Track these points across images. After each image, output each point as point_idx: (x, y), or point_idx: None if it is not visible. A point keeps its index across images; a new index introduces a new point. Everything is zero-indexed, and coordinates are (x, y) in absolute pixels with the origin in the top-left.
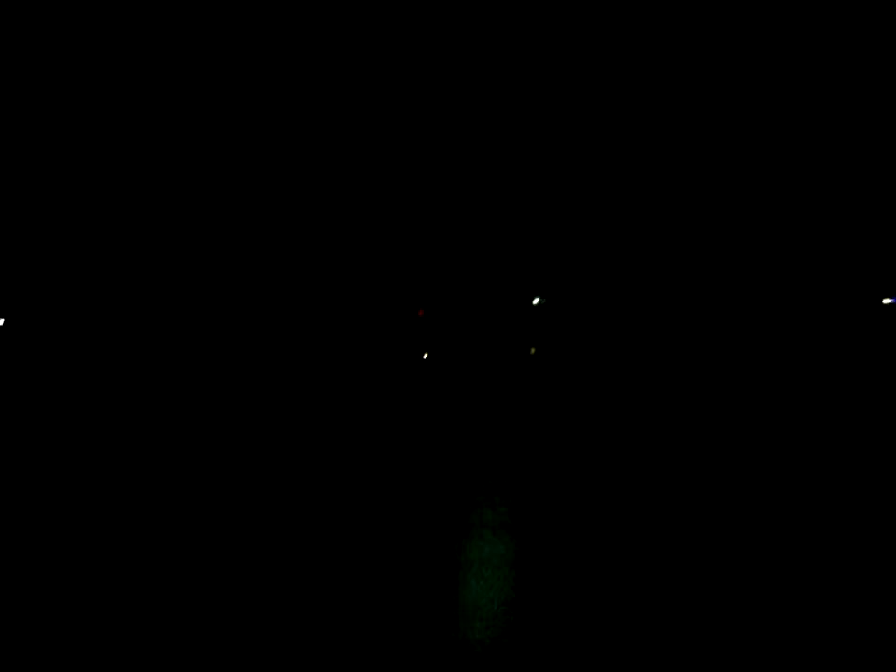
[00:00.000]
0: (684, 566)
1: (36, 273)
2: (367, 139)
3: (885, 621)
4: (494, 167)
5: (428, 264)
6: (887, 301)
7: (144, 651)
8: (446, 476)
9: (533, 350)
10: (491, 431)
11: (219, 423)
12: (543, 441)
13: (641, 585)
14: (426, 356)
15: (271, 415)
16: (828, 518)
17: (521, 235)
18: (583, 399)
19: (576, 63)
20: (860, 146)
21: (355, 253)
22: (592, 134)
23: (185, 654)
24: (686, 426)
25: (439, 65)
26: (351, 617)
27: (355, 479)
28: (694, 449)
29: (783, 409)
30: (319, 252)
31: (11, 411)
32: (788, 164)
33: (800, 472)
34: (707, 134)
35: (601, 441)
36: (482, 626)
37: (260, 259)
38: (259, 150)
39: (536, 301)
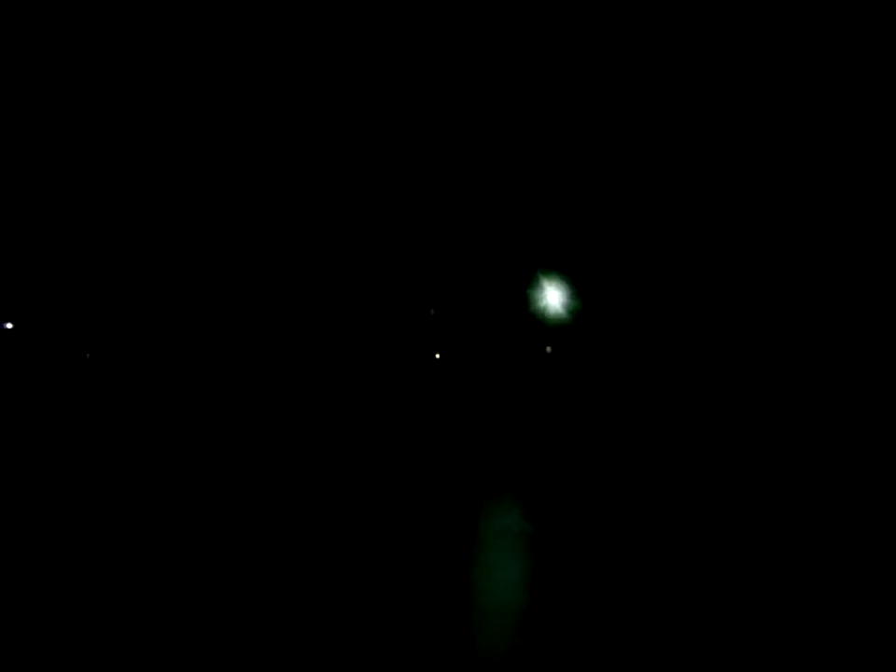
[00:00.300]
0: (695, 564)
1: (37, 273)
2: (380, 141)
3: (884, 620)
4: (507, 165)
5: (440, 263)
6: None
7: (144, 650)
8: (459, 476)
9: (549, 349)
10: (506, 431)
11: (230, 424)
12: (559, 441)
13: (653, 585)
14: (438, 356)
15: (282, 416)
16: (839, 519)
17: (534, 234)
18: (600, 400)
19: (578, 63)
20: (860, 146)
21: (366, 253)
22: (604, 132)
23: (187, 654)
24: (697, 426)
25: (446, 67)
26: (362, 616)
27: (366, 479)
28: (704, 448)
29: (796, 405)
30: (330, 252)
31: (12, 411)
32: (790, 165)
33: (814, 470)
34: (709, 135)
35: (617, 442)
36: (495, 623)
37: (268, 259)
38: (267, 152)
39: (550, 300)
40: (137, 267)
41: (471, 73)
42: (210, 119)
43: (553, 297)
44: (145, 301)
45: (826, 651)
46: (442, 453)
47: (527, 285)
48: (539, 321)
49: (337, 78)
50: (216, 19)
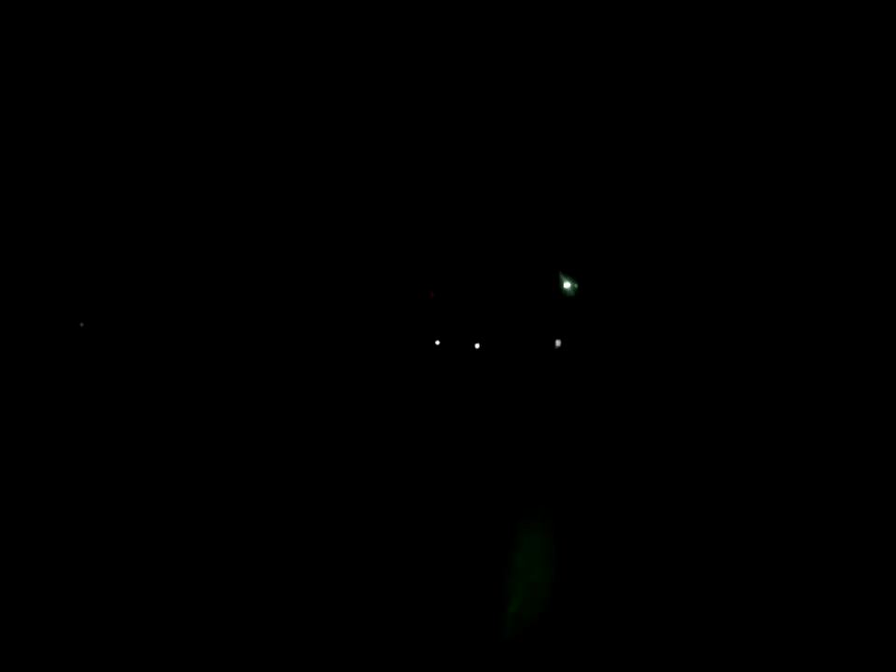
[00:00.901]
0: (720, 563)
1: (37, 273)
2: (375, 126)
3: (885, 621)
4: (513, 149)
5: (441, 243)
6: None
7: (144, 651)
8: (460, 474)
9: (559, 342)
10: (512, 424)
11: (227, 418)
12: (570, 437)
13: (676, 585)
14: (438, 342)
15: (277, 410)
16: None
17: (541, 224)
18: (614, 392)
19: (581, 63)
20: (860, 146)
21: (362, 231)
22: (610, 121)
23: (191, 654)
24: (711, 423)
25: (446, 65)
26: (379, 617)
27: (367, 476)
28: (719, 446)
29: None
30: (324, 234)
31: (11, 411)
32: (793, 166)
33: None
34: (716, 135)
35: (631, 435)
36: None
37: (261, 243)
38: (263, 145)
39: (559, 291)
40: (135, 262)
41: (477, 58)
42: (209, 116)
43: (562, 287)
44: (142, 293)
45: (828, 652)
46: (444, 446)
47: (537, 275)
48: (549, 305)
49: (338, 76)
50: (215, 18)
